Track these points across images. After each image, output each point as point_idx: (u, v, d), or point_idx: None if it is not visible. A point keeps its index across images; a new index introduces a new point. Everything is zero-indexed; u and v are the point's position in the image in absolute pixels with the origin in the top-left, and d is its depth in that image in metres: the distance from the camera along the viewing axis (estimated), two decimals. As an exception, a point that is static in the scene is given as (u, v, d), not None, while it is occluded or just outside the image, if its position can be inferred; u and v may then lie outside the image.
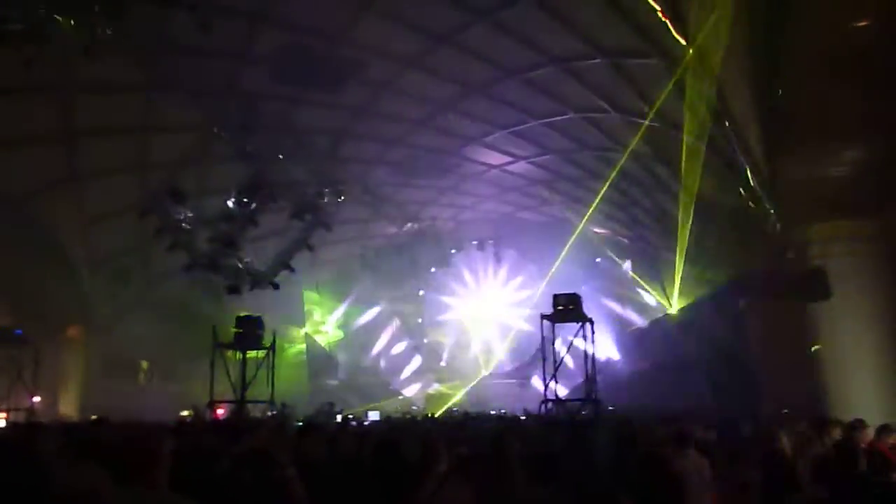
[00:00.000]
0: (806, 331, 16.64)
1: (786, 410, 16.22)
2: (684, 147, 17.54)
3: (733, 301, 23.31)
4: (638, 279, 34.25)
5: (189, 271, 22.26)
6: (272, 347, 19.86)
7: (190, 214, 21.93)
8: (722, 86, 14.18)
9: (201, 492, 4.34)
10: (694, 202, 19.98)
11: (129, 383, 27.79)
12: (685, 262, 26.35)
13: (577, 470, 6.94)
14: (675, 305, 31.12)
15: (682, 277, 28.03)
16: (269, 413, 18.66)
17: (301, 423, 15.06)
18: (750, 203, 16.15)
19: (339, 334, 39.62)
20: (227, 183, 22.87)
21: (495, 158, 27.89)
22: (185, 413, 24.06)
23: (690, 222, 21.46)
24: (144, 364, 29.45)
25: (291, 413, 20.06)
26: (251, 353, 19.98)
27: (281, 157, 23.07)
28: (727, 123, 14.58)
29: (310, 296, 37.07)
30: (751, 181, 15.27)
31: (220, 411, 20.74)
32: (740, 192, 16.36)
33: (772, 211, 15.43)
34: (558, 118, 22.61)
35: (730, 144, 15.00)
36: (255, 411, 19.74)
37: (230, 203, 22.18)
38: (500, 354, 41.41)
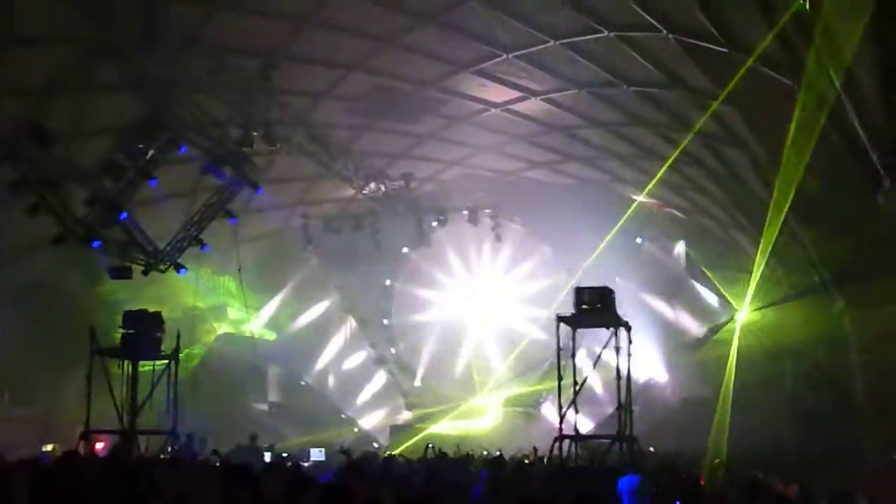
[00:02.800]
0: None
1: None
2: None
3: (829, 307, 23.58)
4: (695, 271, 34.50)
5: (58, 245, 22.10)
6: (175, 356, 19.86)
7: (59, 164, 21.75)
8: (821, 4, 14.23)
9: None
10: (777, 165, 20.07)
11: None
12: (763, 248, 26.53)
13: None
14: (746, 308, 31.41)
15: (761, 275, 28.23)
16: (171, 448, 18.68)
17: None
18: (857, 170, 16.28)
19: (271, 336, 39.62)
20: (113, 121, 22.66)
21: (497, 93, 27.85)
22: (48, 448, 24.03)
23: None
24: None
25: (199, 448, 20.05)
26: (145, 365, 19.99)
27: (191, 85, 22.89)
28: (827, 56, 14.64)
29: (227, 285, 36.97)
30: (860, 136, 15.37)
31: (99, 445, 20.76)
32: (841, 155, 16.47)
33: (886, 180, 15.55)
34: (588, 37, 22.56)
35: (832, 89, 15.07)
36: (149, 445, 19.77)
37: (117, 149, 22.01)
38: (500, 372, 41.56)
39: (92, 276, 26.85)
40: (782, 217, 22.20)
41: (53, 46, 21.29)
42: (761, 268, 26.63)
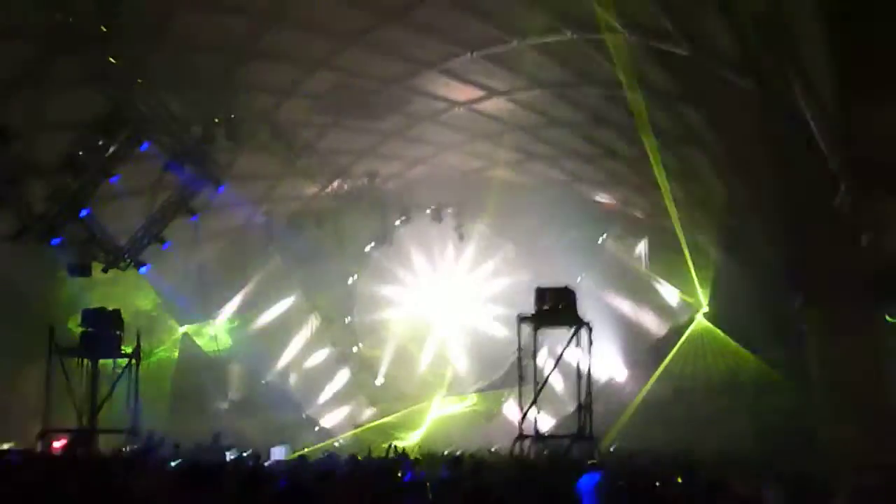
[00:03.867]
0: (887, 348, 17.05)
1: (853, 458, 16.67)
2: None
3: (786, 303, 23.82)
4: (654, 270, 34.77)
5: (16, 241, 21.89)
6: (136, 354, 19.77)
7: (18, 159, 21.54)
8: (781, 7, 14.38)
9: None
10: (737, 165, 20.32)
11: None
12: (722, 248, 26.86)
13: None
14: (704, 307, 31.79)
15: (718, 270, 28.58)
16: (129, 447, 18.58)
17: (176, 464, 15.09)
18: (814, 170, 16.42)
19: (227, 341, 39.28)
20: (74, 117, 22.45)
21: (461, 92, 27.90)
22: (4, 446, 23.80)
23: (729, 193, 21.84)
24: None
25: (160, 447, 19.93)
26: (105, 362, 19.86)
27: (152, 80, 22.72)
28: (786, 58, 14.80)
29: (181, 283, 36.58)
30: (816, 138, 15.53)
31: (57, 444, 20.58)
32: (801, 156, 16.62)
33: (843, 182, 15.71)
34: (552, 38, 22.66)
35: (789, 89, 15.22)
36: (109, 444, 19.65)
37: (77, 145, 21.82)
38: (462, 371, 41.65)
39: (51, 272, 26.61)
40: (741, 217, 22.49)
41: (12, 40, 21.07)
42: (721, 267, 26.95)
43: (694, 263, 30.51)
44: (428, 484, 13.26)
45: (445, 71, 26.25)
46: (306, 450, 32.38)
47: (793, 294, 23.50)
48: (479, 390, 40.47)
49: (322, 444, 36.82)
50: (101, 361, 20.32)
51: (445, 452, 26.60)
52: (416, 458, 18.88)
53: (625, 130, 26.40)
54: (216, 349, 38.34)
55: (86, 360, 19.32)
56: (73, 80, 22.10)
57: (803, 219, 20.19)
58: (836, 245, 18.61)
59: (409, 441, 35.25)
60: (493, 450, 27.64)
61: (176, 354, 36.49)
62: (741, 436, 26.55)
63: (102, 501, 5.61)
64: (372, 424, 40.39)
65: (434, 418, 39.71)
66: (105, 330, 19.33)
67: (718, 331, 31.25)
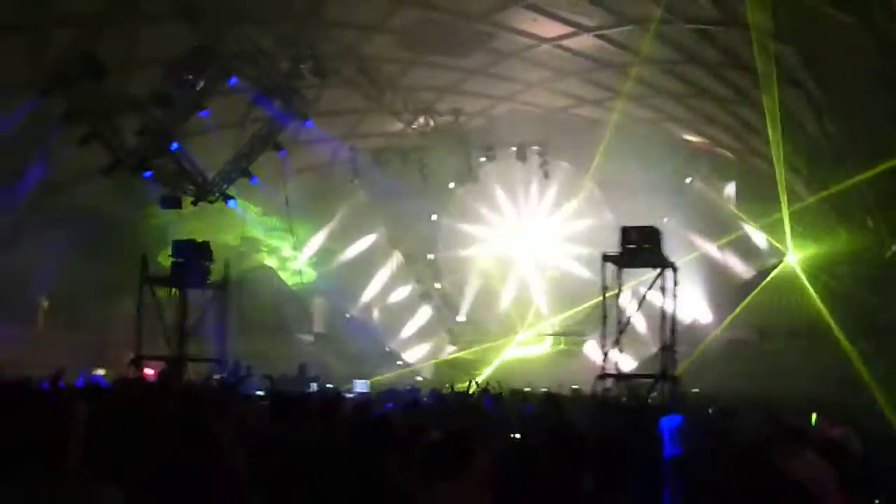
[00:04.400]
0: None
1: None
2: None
3: (885, 254, 23.26)
4: (743, 212, 34.14)
5: (109, 174, 22.39)
6: (225, 285, 20.15)
7: (111, 94, 21.91)
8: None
9: (129, 474, 4.48)
10: (834, 106, 19.73)
11: (23, 328, 28.25)
12: (816, 188, 26.16)
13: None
14: (795, 250, 31.12)
15: (810, 212, 27.87)
16: (218, 376, 19.01)
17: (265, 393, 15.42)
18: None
19: (312, 275, 39.80)
20: (163, 51, 22.72)
21: (547, 28, 27.53)
22: (101, 372, 24.59)
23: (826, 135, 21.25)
24: (45, 303, 29.92)
25: (249, 377, 20.38)
26: (194, 293, 20.29)
27: (240, 15, 22.85)
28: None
29: (269, 219, 37.10)
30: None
31: (149, 371, 21.20)
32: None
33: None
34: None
35: (892, 22, 14.69)
36: (199, 372, 20.15)
37: (167, 80, 22.11)
38: (544, 308, 41.64)
39: (142, 204, 27.21)
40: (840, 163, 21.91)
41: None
42: (813, 211, 26.32)
43: (787, 208, 29.87)
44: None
45: (532, 6, 25.90)
46: (385, 382, 32.80)
47: (888, 239, 22.94)
48: (561, 331, 40.42)
49: (401, 374, 37.41)
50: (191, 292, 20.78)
51: (527, 389, 26.74)
52: (498, 394, 18.97)
53: (717, 69, 25.84)
54: (301, 282, 38.96)
55: (175, 290, 19.73)
56: (163, 16, 22.34)
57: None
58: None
59: (489, 377, 35.47)
60: (574, 388, 27.72)
61: (263, 288, 37.15)
62: (824, 381, 26.17)
63: (194, 428, 5.77)
64: (452, 357, 40.74)
65: (515, 356, 39.82)
66: (195, 260, 19.70)
67: (810, 276, 30.64)
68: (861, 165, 22.55)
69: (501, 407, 16.24)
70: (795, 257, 31.40)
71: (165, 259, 20.97)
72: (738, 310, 32.37)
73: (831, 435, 9.22)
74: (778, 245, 32.79)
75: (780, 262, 32.39)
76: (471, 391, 21.76)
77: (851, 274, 28.21)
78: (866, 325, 25.03)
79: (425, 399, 17.52)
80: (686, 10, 23.22)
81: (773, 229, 32.23)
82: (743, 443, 9.20)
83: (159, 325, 19.46)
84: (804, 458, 6.81)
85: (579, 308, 37.77)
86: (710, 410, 15.52)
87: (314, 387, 24.18)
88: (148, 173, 22.30)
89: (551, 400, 14.75)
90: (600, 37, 27.18)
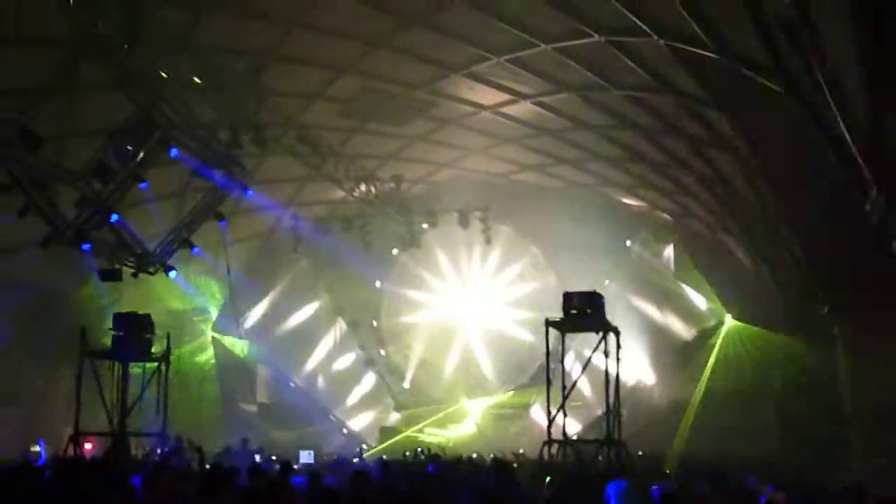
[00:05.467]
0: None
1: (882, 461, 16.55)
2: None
3: (817, 312, 23.67)
4: (681, 275, 34.61)
5: (46, 247, 22.05)
6: (166, 358, 19.89)
7: (48, 166, 21.68)
8: (808, 9, 14.26)
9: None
10: (765, 170, 20.22)
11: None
12: (750, 253, 26.66)
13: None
14: (733, 312, 31.65)
15: (745, 273, 28.38)
16: (161, 450, 18.69)
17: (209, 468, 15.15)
18: (845, 176, 16.27)
19: (255, 344, 39.38)
20: (102, 123, 22.60)
21: (487, 96, 27.88)
22: (34, 449, 24.01)
23: (757, 198, 21.76)
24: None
25: (192, 451, 20.02)
26: (135, 367, 20.01)
27: (179, 86, 22.85)
28: (816, 63, 14.68)
29: (213, 287, 36.75)
30: (848, 142, 15.41)
31: (88, 446, 20.77)
32: (831, 160, 16.49)
33: (875, 191, 15.59)
34: (578, 42, 22.61)
35: (819, 92, 15.10)
36: (140, 447, 19.80)
37: (107, 151, 21.95)
38: (489, 373, 41.62)
39: (81, 278, 26.85)
40: (770, 221, 22.32)
41: (40, 47, 21.27)
42: (749, 271, 26.78)
43: (722, 268, 30.43)
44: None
45: (471, 75, 26.25)
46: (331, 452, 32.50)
47: (821, 300, 23.38)
48: (506, 396, 40.40)
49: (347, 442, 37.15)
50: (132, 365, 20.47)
51: (474, 457, 26.61)
52: (446, 462, 18.87)
53: (653, 134, 26.34)
54: (243, 352, 38.58)
55: (117, 364, 19.44)
56: (101, 87, 22.25)
57: (832, 224, 20.06)
58: (865, 251, 18.49)
59: (436, 443, 35.23)
60: (520, 452, 27.66)
61: (204, 359, 36.74)
62: (768, 442, 26.44)
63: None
64: (398, 425, 40.54)
65: (461, 422, 39.71)
66: (136, 333, 19.46)
67: (747, 336, 31.12)
68: (794, 228, 23.06)
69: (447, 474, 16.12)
70: (732, 317, 31.94)
71: (107, 330, 20.62)
72: (686, 374, 32.72)
73: (775, 499, 9.36)
74: (714, 307, 33.34)
75: (720, 322, 32.86)
76: (415, 458, 21.63)
77: (787, 333, 28.71)
78: (802, 383, 25.43)
79: (372, 467, 17.33)
80: (621, 77, 23.68)
81: (710, 291, 32.77)
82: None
83: (98, 399, 19.10)
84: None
85: (523, 369, 37.95)
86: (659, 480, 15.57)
87: (258, 458, 23.84)
88: (86, 246, 21.97)
89: (502, 470, 14.66)
90: (538, 104, 27.57)
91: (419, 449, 28.13)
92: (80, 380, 18.47)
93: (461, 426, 39.73)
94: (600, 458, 18.24)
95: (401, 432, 39.43)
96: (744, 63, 17.83)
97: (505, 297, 41.35)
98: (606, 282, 33.24)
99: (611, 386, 18.26)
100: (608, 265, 34.92)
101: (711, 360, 31.82)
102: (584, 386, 26.88)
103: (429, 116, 29.35)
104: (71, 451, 18.39)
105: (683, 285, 35.14)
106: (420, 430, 39.19)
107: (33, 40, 20.76)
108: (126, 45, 20.30)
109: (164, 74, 21.92)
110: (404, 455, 29.54)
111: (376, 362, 41.69)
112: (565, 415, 18.20)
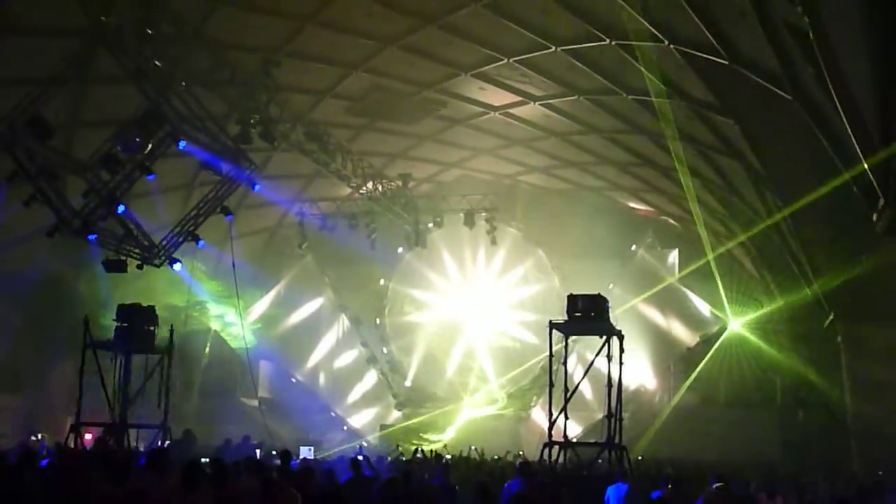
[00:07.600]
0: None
1: (881, 474, 16.53)
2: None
3: (822, 322, 23.62)
4: (685, 280, 34.56)
5: (53, 236, 22.08)
6: (168, 351, 19.87)
7: (57, 156, 21.71)
8: (820, 18, 14.24)
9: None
10: (773, 177, 20.18)
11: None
12: (758, 260, 26.61)
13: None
14: (734, 317, 31.61)
15: (750, 282, 28.37)
16: (160, 443, 18.67)
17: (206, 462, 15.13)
18: (854, 188, 16.25)
19: (258, 338, 39.30)
20: (111, 113, 22.64)
21: (496, 97, 27.91)
22: (35, 438, 24.02)
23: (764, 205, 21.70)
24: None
25: (192, 444, 20.02)
26: (137, 357, 19.98)
27: (190, 79, 22.87)
28: (826, 74, 14.66)
29: (212, 284, 36.67)
30: (856, 150, 15.38)
31: (88, 437, 20.76)
32: (842, 172, 16.47)
33: (882, 200, 15.56)
34: (589, 44, 22.62)
35: (828, 100, 15.08)
36: (140, 439, 19.79)
37: (116, 142, 21.97)
38: (491, 374, 41.55)
39: (86, 268, 26.84)
40: (776, 229, 22.28)
41: (54, 38, 21.31)
42: (754, 279, 26.76)
43: (727, 275, 30.40)
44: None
45: (481, 75, 26.27)
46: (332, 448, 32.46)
47: (826, 308, 23.33)
48: (508, 396, 40.32)
49: (348, 439, 37.07)
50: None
51: (476, 457, 26.56)
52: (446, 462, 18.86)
53: (660, 139, 26.33)
54: (246, 347, 38.50)
55: (118, 356, 19.41)
56: (112, 78, 22.29)
57: (839, 232, 20.02)
58: (872, 260, 18.46)
59: (436, 443, 35.16)
60: (520, 454, 27.61)
61: (207, 351, 36.72)
62: (770, 447, 26.42)
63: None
64: (400, 426, 40.39)
65: (462, 422, 39.63)
66: (139, 325, 19.41)
67: (750, 343, 31.10)
68: (800, 235, 23.03)
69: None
70: (736, 324, 31.92)
71: (110, 321, 20.58)
72: (688, 379, 32.73)
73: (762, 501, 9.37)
74: (718, 314, 33.32)
75: (723, 329, 32.83)
76: (416, 458, 21.58)
77: (789, 334, 28.70)
78: (805, 391, 25.43)
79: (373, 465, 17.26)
80: (629, 81, 23.67)
81: (714, 297, 32.72)
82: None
83: (101, 391, 19.09)
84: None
85: (525, 370, 37.91)
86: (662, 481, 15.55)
87: (259, 453, 23.80)
88: (92, 236, 21.97)
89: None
90: (547, 106, 27.59)
91: (419, 450, 27.99)
92: (82, 370, 18.43)
93: (461, 426, 39.63)
94: (600, 461, 18.22)
95: (401, 430, 39.32)
96: (753, 69, 17.82)
97: (509, 299, 41.23)
98: (611, 285, 33.19)
99: (613, 389, 18.19)
100: (613, 269, 34.87)
101: (714, 366, 31.77)
102: (586, 389, 26.88)
103: (438, 116, 29.39)
104: (71, 442, 18.39)
105: (688, 291, 35.09)
106: (420, 430, 39.09)
107: (46, 29, 20.80)
108: (139, 37, 20.35)
109: (175, 67, 21.92)
110: (400, 454, 29.50)
111: (378, 360, 41.58)
112: (566, 417, 18.15)
